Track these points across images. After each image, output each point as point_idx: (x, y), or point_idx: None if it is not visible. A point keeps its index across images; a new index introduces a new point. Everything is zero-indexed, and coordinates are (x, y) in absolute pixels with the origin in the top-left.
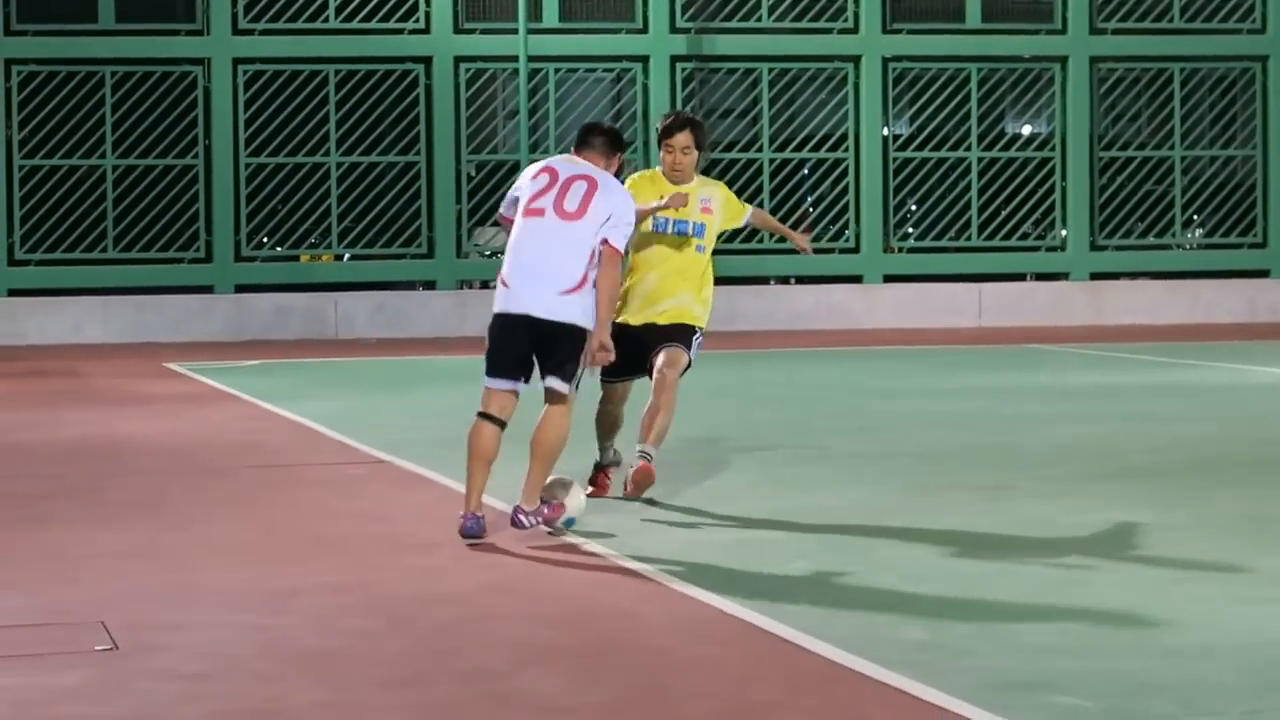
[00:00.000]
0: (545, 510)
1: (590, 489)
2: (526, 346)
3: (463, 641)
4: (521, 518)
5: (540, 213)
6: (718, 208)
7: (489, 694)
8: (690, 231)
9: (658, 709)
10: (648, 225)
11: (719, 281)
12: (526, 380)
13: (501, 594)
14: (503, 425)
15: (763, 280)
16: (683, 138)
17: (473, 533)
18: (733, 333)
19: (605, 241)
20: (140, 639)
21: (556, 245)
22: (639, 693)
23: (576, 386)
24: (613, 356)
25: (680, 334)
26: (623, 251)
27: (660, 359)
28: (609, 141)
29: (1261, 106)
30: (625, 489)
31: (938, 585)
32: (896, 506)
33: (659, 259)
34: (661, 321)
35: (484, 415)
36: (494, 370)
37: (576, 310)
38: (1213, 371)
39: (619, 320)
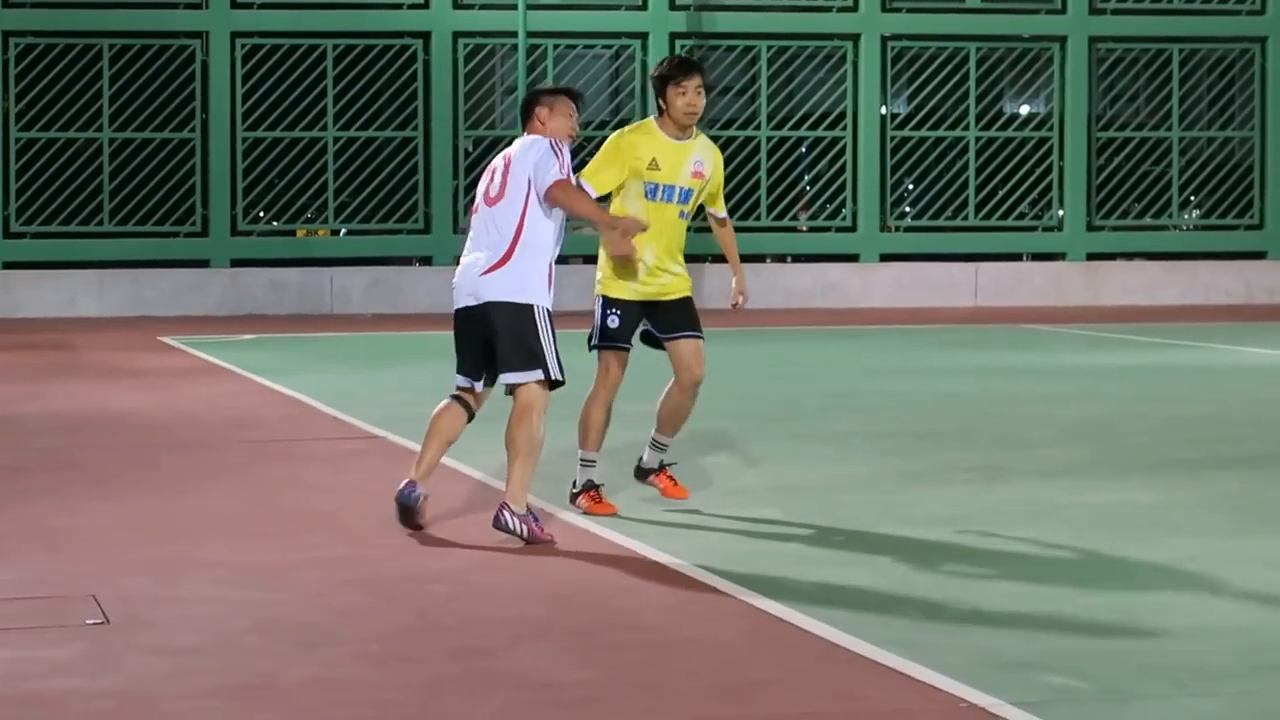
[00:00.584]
0: (533, 521)
1: (584, 503)
2: (474, 342)
3: (455, 618)
4: (505, 515)
5: (476, 209)
6: (710, 173)
7: (481, 671)
8: (676, 198)
9: (652, 686)
10: (640, 193)
11: (713, 260)
12: (485, 381)
13: (495, 571)
14: (470, 413)
15: (759, 259)
16: (698, 78)
17: (403, 499)
18: (728, 311)
19: (550, 187)
20: (132, 613)
21: (482, 232)
22: (633, 670)
23: (548, 374)
24: (643, 223)
25: (693, 315)
26: (571, 180)
27: (689, 353)
28: (524, 108)
29: (1260, 87)
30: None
31: (933, 565)
32: (893, 486)
33: (655, 232)
34: (667, 298)
35: (454, 396)
36: (458, 366)
37: (501, 287)
38: (1209, 353)
39: (615, 296)
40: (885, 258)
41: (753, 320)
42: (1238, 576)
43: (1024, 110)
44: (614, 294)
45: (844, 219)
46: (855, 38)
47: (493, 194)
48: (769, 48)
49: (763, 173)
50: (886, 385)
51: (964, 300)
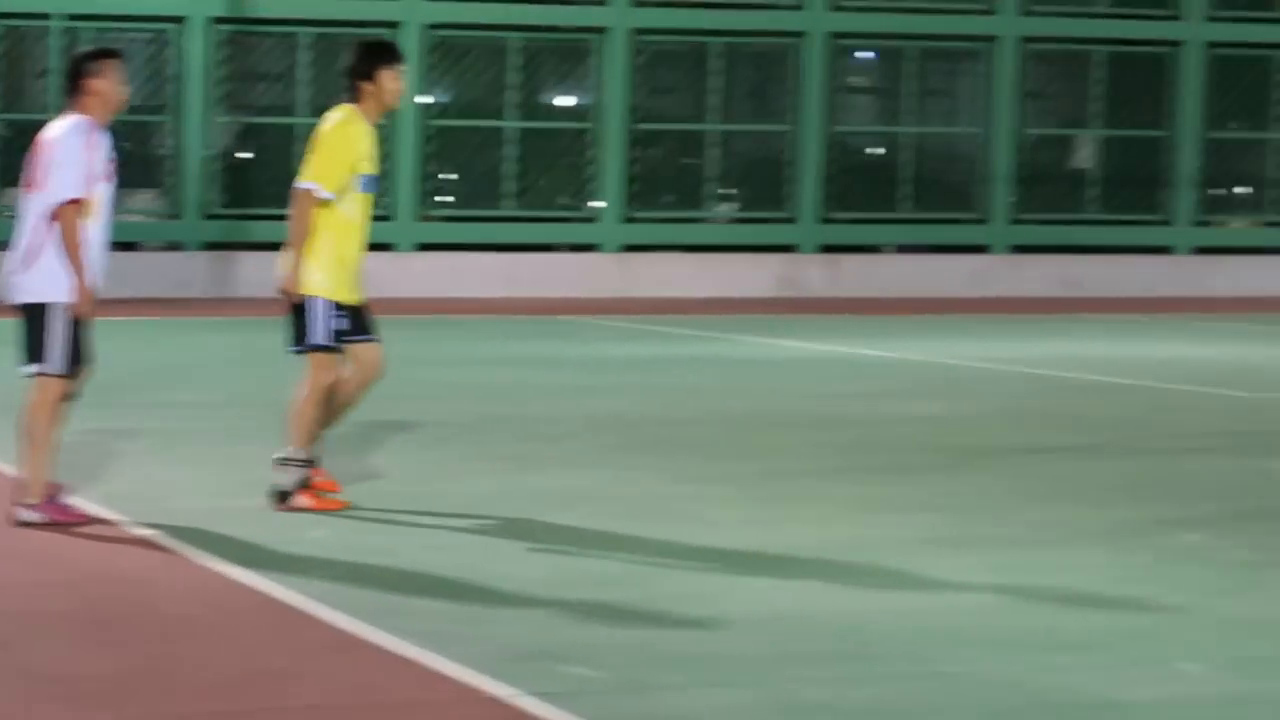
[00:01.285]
0: (55, 506)
1: (308, 500)
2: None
3: None
4: (22, 512)
5: (25, 189)
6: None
7: None
8: (375, 188)
9: (168, 677)
10: (355, 186)
11: (235, 247)
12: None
13: (13, 561)
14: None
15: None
16: (403, 63)
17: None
18: (247, 299)
19: (58, 207)
20: None
21: (22, 220)
22: (150, 661)
23: (53, 369)
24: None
25: (373, 318)
26: (74, 198)
27: (380, 356)
28: (71, 77)
29: (796, 83)
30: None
31: (456, 555)
32: (419, 476)
33: (362, 225)
34: (363, 300)
35: None
36: None
37: (29, 289)
38: (740, 345)
39: (341, 300)
40: (422, 247)
41: (277, 308)
42: (758, 567)
43: (565, 101)
44: (339, 298)
45: (381, 208)
46: (396, 25)
47: (30, 180)
48: (309, 34)
49: (293, 160)
50: (415, 375)
51: (499, 291)
